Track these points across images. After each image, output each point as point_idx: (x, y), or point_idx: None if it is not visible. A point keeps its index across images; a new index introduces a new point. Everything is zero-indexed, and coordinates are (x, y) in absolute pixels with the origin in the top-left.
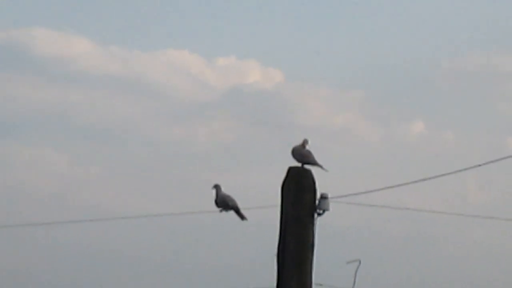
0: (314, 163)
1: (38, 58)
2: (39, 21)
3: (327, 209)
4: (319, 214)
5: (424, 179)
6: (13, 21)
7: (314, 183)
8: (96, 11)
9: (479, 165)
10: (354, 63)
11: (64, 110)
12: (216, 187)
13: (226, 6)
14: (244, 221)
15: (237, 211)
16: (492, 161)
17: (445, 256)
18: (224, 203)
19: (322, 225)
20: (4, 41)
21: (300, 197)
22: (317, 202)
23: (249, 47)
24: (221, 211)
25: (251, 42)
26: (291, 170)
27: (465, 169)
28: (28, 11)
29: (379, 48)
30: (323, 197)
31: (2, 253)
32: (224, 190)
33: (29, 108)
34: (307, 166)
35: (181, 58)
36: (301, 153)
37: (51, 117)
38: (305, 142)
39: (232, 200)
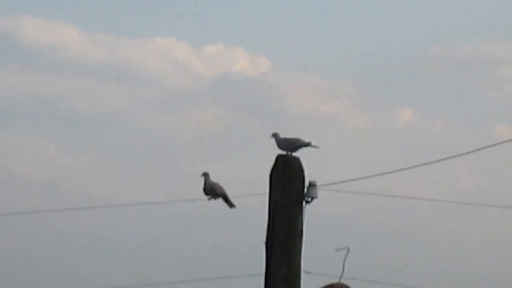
0: (304, 144)
1: (25, 46)
2: (26, 9)
3: (316, 197)
4: (307, 202)
5: (412, 167)
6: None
7: (302, 170)
8: None
9: (468, 152)
10: (342, 51)
11: (52, 99)
12: (205, 175)
13: None
14: (233, 209)
15: (226, 199)
16: (480, 148)
17: (434, 243)
18: (212, 190)
19: (310, 212)
20: None
21: (288, 185)
22: (305, 189)
23: (236, 35)
24: (209, 199)
25: (238, 30)
26: (279, 157)
27: (454, 156)
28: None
29: (366, 35)
30: (312, 185)
31: None
32: (213, 178)
33: (17, 97)
34: (297, 153)
35: (168, 46)
36: (288, 141)
37: (39, 106)
38: (277, 135)
39: (221, 188)
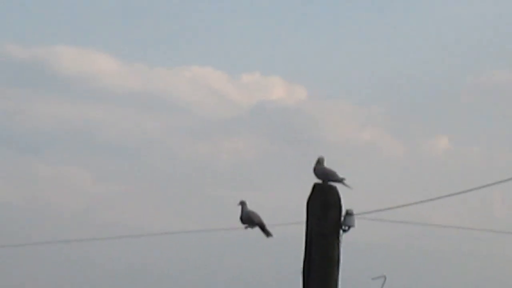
0: (338, 180)
1: (62, 75)
2: (63, 39)
3: (353, 225)
4: (344, 231)
5: (449, 195)
6: (37, 39)
7: (339, 199)
8: (119, 28)
9: (504, 181)
10: (378, 78)
11: (88, 127)
12: (242, 203)
13: (250, 22)
14: (270, 238)
15: (263, 228)
16: None
17: (472, 272)
18: (249, 219)
19: (347, 241)
20: (28, 59)
21: (325, 214)
22: (342, 218)
23: (273, 64)
24: (246, 227)
25: (275, 59)
26: (316, 186)
27: (491, 185)
28: (52, 28)
29: (403, 63)
30: (349, 214)
31: (27, 270)
32: (250, 206)
33: (53, 125)
34: (331, 183)
35: (205, 75)
36: (324, 172)
37: (75, 134)
38: (321, 160)
39: (257, 217)
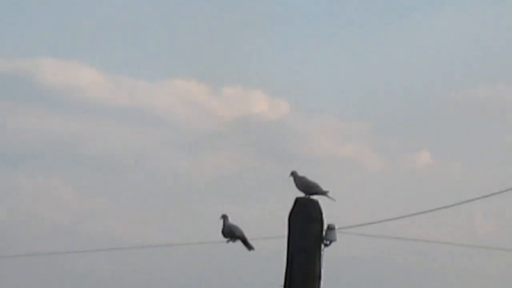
0: (321, 192)
1: (45, 88)
2: (46, 51)
3: (334, 240)
4: (326, 245)
5: (431, 210)
6: (20, 52)
7: (321, 213)
8: (102, 41)
9: (486, 196)
10: (360, 94)
11: (71, 140)
12: (224, 217)
13: (231, 36)
14: (251, 251)
15: (244, 241)
16: (499, 192)
17: (453, 287)
18: (231, 233)
19: (329, 256)
20: (11, 71)
21: (307, 228)
22: (324, 232)
23: (255, 77)
24: (228, 241)
25: (257, 72)
26: (298, 200)
27: (472, 200)
28: (35, 41)
29: (385, 79)
30: (330, 228)
31: (9, 284)
32: (231, 220)
33: (35, 139)
34: (313, 197)
35: (188, 88)
36: (307, 184)
37: (58, 147)
38: (293, 174)
39: (239, 230)
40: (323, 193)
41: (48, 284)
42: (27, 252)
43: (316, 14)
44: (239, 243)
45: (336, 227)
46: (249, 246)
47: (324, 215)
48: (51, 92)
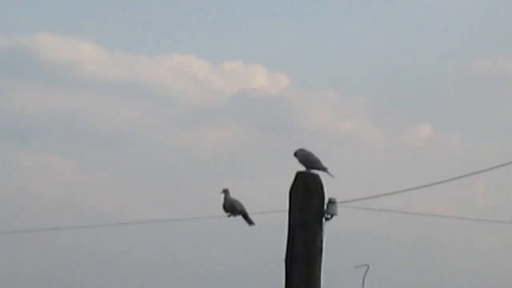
0: (322, 168)
1: (44, 63)
2: (45, 27)
3: (335, 214)
4: (327, 219)
5: (432, 184)
6: (19, 27)
7: (322, 188)
8: (102, 16)
9: (486, 170)
10: (361, 68)
11: (71, 116)
12: (225, 191)
13: (232, 11)
14: (252, 226)
15: (245, 216)
16: (499, 166)
17: (453, 260)
18: (232, 207)
19: (330, 230)
20: (10, 47)
21: (308, 202)
22: (325, 207)
23: (255, 52)
24: (229, 216)
25: (257, 47)
26: (298, 175)
27: (473, 174)
28: (34, 16)
29: (385, 53)
30: (331, 202)
31: (8, 259)
32: (232, 195)
33: (35, 114)
34: (314, 171)
35: (187, 63)
36: (308, 159)
37: (57, 123)
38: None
39: (240, 205)
40: (324, 169)
41: (49, 259)
42: (28, 227)
43: None
44: (240, 218)
45: (337, 201)
46: (249, 221)
47: (325, 189)
48: (50, 68)
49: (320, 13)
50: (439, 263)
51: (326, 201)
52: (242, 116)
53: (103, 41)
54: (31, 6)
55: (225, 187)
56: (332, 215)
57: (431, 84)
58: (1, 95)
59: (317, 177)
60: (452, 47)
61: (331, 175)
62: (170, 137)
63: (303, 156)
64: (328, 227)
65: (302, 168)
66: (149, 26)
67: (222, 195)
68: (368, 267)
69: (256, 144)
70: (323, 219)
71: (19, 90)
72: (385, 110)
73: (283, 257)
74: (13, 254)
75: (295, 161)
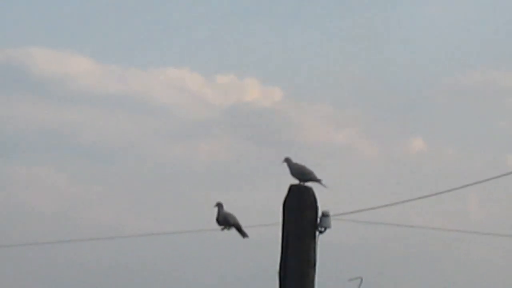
0: (315, 180)
1: (37, 77)
2: (37, 40)
3: (329, 227)
4: (320, 232)
5: (425, 196)
6: (11, 41)
7: (315, 200)
8: (94, 29)
9: (479, 182)
10: (354, 80)
11: (63, 129)
12: (218, 205)
13: (225, 24)
14: (246, 239)
15: (239, 229)
16: (492, 178)
17: (447, 273)
18: (225, 220)
19: (323, 242)
20: (2, 61)
21: (301, 215)
22: (318, 219)
23: (248, 65)
24: (222, 229)
25: (251, 60)
26: (292, 187)
27: (466, 186)
28: (26, 30)
29: (379, 64)
30: (325, 215)
31: (3, 273)
32: (226, 208)
33: (28, 128)
34: (307, 184)
35: (180, 76)
36: (302, 171)
37: (50, 136)
38: (287, 161)
39: (234, 218)
40: (317, 180)
41: (41, 274)
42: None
43: (307, 0)
44: (233, 231)
45: (331, 214)
46: (243, 234)
47: (318, 202)
48: (43, 81)
49: (313, 27)
50: (433, 275)
51: (319, 214)
52: (236, 129)
53: (96, 54)
54: (22, 19)
55: (219, 201)
56: (325, 228)
57: (424, 96)
58: None
59: (310, 190)
60: (445, 59)
61: (325, 186)
62: (163, 150)
63: (296, 169)
64: (322, 240)
65: (295, 181)
66: (142, 39)
67: (216, 209)
68: (362, 280)
69: (249, 157)
70: (317, 232)
71: (12, 104)
72: (378, 122)
73: (277, 269)
74: (4, 269)
75: (288, 174)
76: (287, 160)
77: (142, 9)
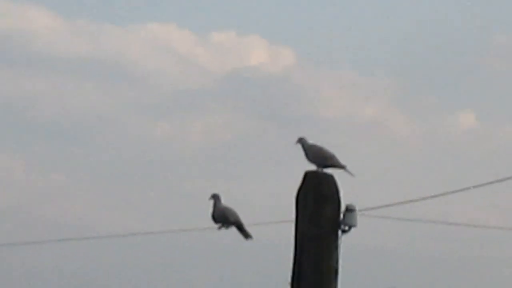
0: (338, 166)
1: None
2: None
3: (354, 225)
4: (344, 231)
5: (474, 187)
6: None
7: (337, 192)
8: None
9: None
10: (384, 41)
11: (20, 102)
12: (214, 197)
13: None
14: (249, 240)
15: (240, 228)
16: None
17: (500, 280)
18: (223, 217)
19: (347, 244)
20: None
21: (319, 210)
22: (341, 216)
23: (252, 20)
24: (220, 227)
25: (255, 14)
26: (308, 175)
27: None
28: None
29: (413, 22)
30: (349, 210)
31: None
32: (224, 201)
33: None
34: (327, 170)
35: (166, 34)
36: (322, 155)
37: (4, 111)
38: (302, 141)
39: (234, 214)
40: (341, 166)
41: None
42: None
43: None
44: (233, 229)
45: (357, 208)
46: (246, 234)
47: (341, 194)
48: None
49: None
50: (482, 283)
51: (342, 208)
52: (236, 102)
53: (59, 6)
54: None
55: (215, 192)
56: (350, 227)
57: (473, 60)
58: None
59: (331, 178)
60: (499, 12)
61: (351, 174)
62: (144, 127)
63: (313, 152)
64: (345, 241)
65: (311, 167)
66: None
67: (211, 202)
68: None
69: (254, 136)
70: (339, 232)
71: None
72: (415, 93)
73: (288, 279)
74: None
75: (303, 158)
76: (302, 141)
77: None
